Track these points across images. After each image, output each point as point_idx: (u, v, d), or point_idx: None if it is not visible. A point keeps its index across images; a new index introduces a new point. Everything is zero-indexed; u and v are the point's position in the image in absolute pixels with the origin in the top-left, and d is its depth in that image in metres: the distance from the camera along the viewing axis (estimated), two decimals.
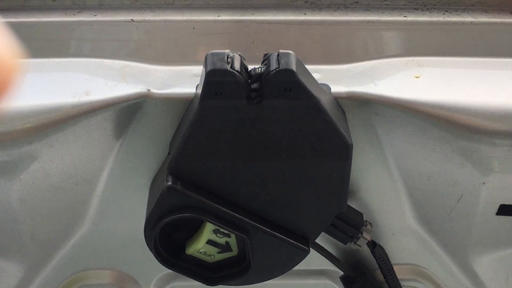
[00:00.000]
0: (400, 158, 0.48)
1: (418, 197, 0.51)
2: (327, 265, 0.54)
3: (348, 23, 0.47)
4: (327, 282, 0.56)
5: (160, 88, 0.44)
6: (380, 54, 0.47)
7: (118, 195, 0.48)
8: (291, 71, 0.37)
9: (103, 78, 0.44)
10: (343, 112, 0.45)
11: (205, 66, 0.37)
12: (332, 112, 0.41)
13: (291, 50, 0.48)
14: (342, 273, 0.54)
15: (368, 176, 0.49)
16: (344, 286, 0.53)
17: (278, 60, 0.37)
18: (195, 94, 0.43)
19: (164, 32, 0.47)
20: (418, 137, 0.46)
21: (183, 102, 0.44)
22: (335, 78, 0.46)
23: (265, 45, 0.47)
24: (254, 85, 0.39)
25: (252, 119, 0.40)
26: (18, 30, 0.48)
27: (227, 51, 0.37)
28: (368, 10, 0.48)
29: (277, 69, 0.37)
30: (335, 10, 0.47)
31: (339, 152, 0.42)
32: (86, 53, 0.46)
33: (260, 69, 0.38)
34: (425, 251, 0.55)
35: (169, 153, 0.44)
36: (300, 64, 0.38)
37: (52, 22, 0.46)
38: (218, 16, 0.47)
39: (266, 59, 0.38)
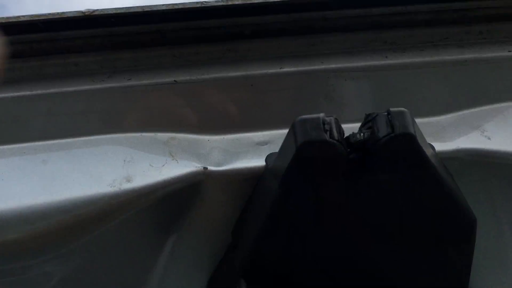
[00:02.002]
0: None
1: None
2: None
3: (441, 63, 0.38)
4: None
5: (219, 164, 0.34)
6: (485, 99, 0.38)
7: None
8: (411, 135, 0.28)
9: (146, 157, 0.35)
10: (452, 177, 0.35)
11: (294, 135, 0.28)
12: (449, 180, 0.32)
13: (369, 101, 0.40)
14: None
15: (478, 248, 0.39)
16: None
17: (390, 121, 0.28)
18: (267, 169, 0.33)
19: (215, 93, 0.37)
20: None
21: (249, 179, 0.34)
22: (432, 133, 0.37)
23: (341, 100, 0.37)
24: (352, 156, 0.30)
25: (349, 199, 0.30)
26: (34, 103, 0.39)
27: (321, 114, 0.28)
28: (461, 46, 0.39)
29: (392, 135, 0.27)
30: (422, 50, 0.39)
31: (461, 230, 0.32)
32: (121, 127, 0.36)
33: (362, 134, 0.29)
34: None
35: (234, 247, 0.35)
36: (415, 124, 0.29)
37: (75, 91, 0.37)
38: (281, 68, 0.38)
39: (370, 121, 0.29)
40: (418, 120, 0.37)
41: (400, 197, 0.31)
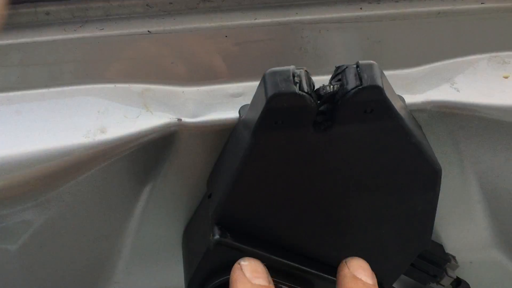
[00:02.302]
0: (486, 176, 0.40)
1: (503, 220, 0.43)
2: None
3: (415, 15, 0.38)
4: None
5: (193, 115, 0.35)
6: (456, 52, 0.39)
7: (147, 249, 0.39)
8: (378, 88, 0.28)
9: (120, 109, 0.35)
10: (420, 128, 0.36)
11: (265, 87, 0.28)
12: (416, 132, 0.33)
13: (343, 54, 0.40)
14: None
15: (444, 199, 0.41)
16: None
17: (358, 74, 0.28)
18: (240, 120, 0.34)
19: (190, 43, 0.37)
20: (511, 151, 0.38)
21: (223, 130, 0.35)
22: (402, 86, 0.38)
23: (316, 52, 0.38)
24: (322, 108, 0.30)
25: (319, 149, 0.31)
26: (5, 55, 0.39)
27: (291, 67, 0.28)
28: None
29: (360, 87, 0.28)
30: (396, 1, 0.39)
31: (426, 180, 0.34)
32: (94, 77, 0.36)
33: (332, 86, 0.29)
34: (506, 279, 0.47)
35: (209, 196, 0.35)
36: (384, 77, 0.29)
37: (48, 41, 0.36)
38: (255, 19, 0.38)
39: (339, 73, 0.29)
40: (390, 72, 0.38)
41: (368, 148, 0.31)
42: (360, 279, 0.32)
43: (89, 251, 0.38)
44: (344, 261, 0.33)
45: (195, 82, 0.37)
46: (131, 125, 0.34)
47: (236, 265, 0.32)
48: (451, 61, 0.39)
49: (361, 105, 0.29)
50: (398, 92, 0.36)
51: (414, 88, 0.37)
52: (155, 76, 0.37)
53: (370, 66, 0.28)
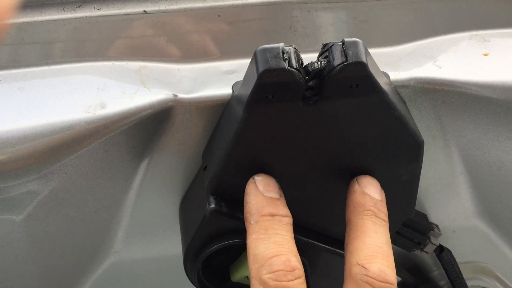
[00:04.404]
0: (467, 149, 0.42)
1: (484, 190, 0.45)
2: None
3: None
4: None
5: (189, 91, 0.36)
6: (438, 30, 0.40)
7: (146, 220, 0.41)
8: (362, 64, 0.30)
9: (119, 85, 0.36)
10: (405, 103, 0.38)
11: (256, 64, 0.30)
12: (399, 106, 0.35)
13: (331, 32, 0.42)
14: (400, 279, 0.48)
15: (428, 171, 0.43)
16: None
17: (343, 51, 0.30)
18: (233, 96, 0.36)
19: (184, 23, 0.39)
20: (490, 124, 0.40)
21: (217, 106, 0.37)
22: (387, 63, 0.39)
23: (305, 30, 0.39)
24: (310, 83, 0.32)
25: (308, 122, 0.33)
26: (7, 33, 0.40)
27: (281, 44, 0.30)
28: None
29: (345, 63, 0.30)
30: None
31: (410, 151, 0.36)
32: (93, 56, 0.38)
33: (319, 63, 0.31)
34: (488, 247, 0.49)
35: (204, 168, 0.37)
36: (368, 54, 0.31)
37: (47, 20, 0.38)
38: None
39: (326, 50, 0.31)
40: (376, 50, 0.40)
41: (354, 121, 0.33)
42: (368, 194, 0.34)
43: (90, 222, 0.39)
44: (355, 178, 0.35)
45: (189, 60, 0.39)
46: (130, 101, 0.35)
47: (250, 180, 0.34)
48: (434, 39, 0.41)
49: (347, 80, 0.31)
50: (383, 69, 0.38)
51: (398, 65, 0.39)
52: (151, 54, 0.38)
53: (355, 43, 0.30)
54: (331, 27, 0.40)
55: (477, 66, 0.38)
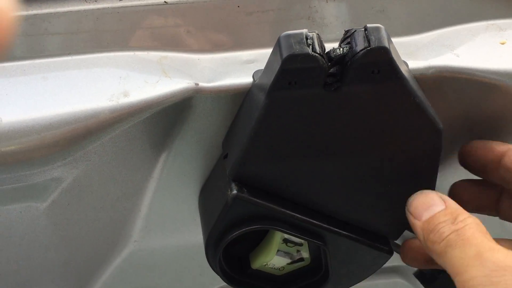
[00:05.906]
0: (485, 136, 0.42)
1: None
2: (398, 261, 0.48)
3: None
4: (398, 280, 0.50)
5: (209, 80, 0.37)
6: (456, 20, 0.41)
7: (166, 209, 0.42)
8: (385, 49, 0.30)
9: (141, 75, 0.37)
10: (422, 91, 0.39)
11: (279, 49, 0.30)
12: (419, 92, 0.35)
13: (348, 22, 0.42)
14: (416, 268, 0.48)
15: (448, 159, 0.43)
16: (422, 283, 0.48)
17: (366, 36, 0.30)
18: (254, 84, 0.36)
19: (204, 14, 0.39)
20: (508, 111, 0.40)
21: (237, 94, 0.37)
22: (406, 53, 0.40)
23: (323, 20, 0.40)
24: (332, 70, 0.32)
25: (329, 109, 0.33)
26: (31, 24, 0.41)
27: (304, 30, 0.30)
28: None
29: (368, 48, 0.30)
30: None
31: (429, 138, 0.36)
32: (115, 46, 0.38)
33: (341, 49, 0.31)
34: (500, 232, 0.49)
35: (225, 156, 0.38)
36: (390, 40, 0.32)
37: (70, 12, 0.38)
38: None
39: (348, 36, 0.31)
40: (394, 40, 0.40)
41: (374, 107, 0.34)
42: None
43: (111, 210, 0.40)
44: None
45: (209, 50, 0.39)
46: (152, 90, 0.36)
47: None
48: (451, 28, 0.41)
49: (369, 66, 0.31)
50: (402, 58, 0.38)
51: (417, 54, 0.39)
52: (171, 45, 0.39)
53: (378, 29, 0.31)
54: (349, 17, 0.40)
55: (495, 54, 0.39)
